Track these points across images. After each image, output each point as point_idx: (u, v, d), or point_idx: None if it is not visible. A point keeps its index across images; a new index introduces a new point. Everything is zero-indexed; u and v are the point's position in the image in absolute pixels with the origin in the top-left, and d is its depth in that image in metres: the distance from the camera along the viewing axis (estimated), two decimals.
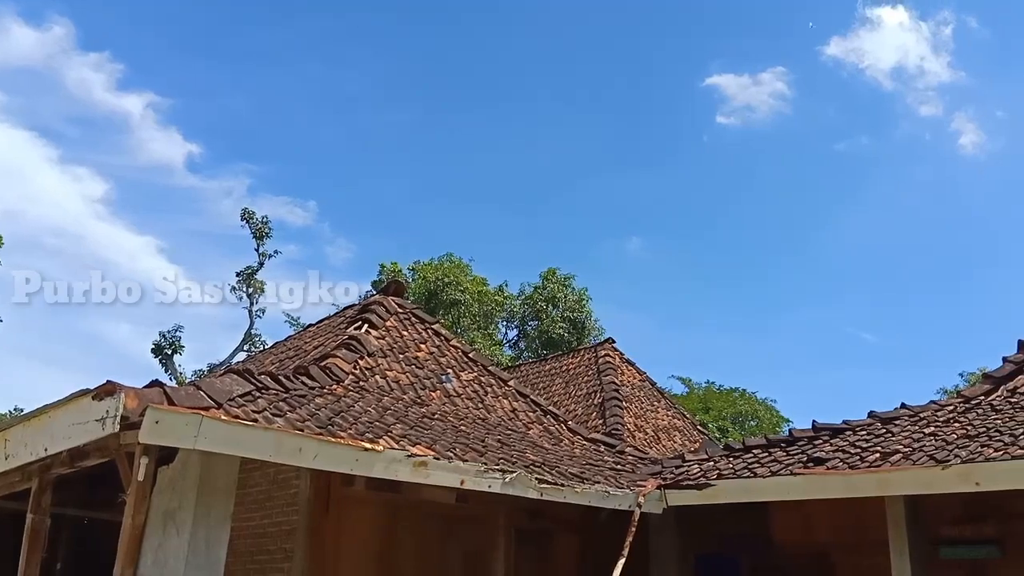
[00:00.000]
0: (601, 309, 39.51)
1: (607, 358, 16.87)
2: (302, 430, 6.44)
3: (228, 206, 58.63)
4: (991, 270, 51.57)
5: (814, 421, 9.10)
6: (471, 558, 9.40)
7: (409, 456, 6.93)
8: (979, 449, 7.05)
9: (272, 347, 14.54)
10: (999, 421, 7.88)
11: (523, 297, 32.35)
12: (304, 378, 8.60)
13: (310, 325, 13.92)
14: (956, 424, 8.14)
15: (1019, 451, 6.69)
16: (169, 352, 29.99)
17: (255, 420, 6.18)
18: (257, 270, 31.48)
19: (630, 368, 17.12)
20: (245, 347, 30.61)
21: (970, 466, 6.76)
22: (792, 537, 9.46)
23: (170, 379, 28.16)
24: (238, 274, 31.37)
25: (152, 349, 30.07)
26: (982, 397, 9.10)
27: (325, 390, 8.63)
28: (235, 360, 27.02)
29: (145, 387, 6.16)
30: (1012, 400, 8.70)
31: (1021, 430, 7.26)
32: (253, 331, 31.39)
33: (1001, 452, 6.80)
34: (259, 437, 6.01)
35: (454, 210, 53.52)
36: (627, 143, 54.61)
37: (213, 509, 6.02)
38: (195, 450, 5.82)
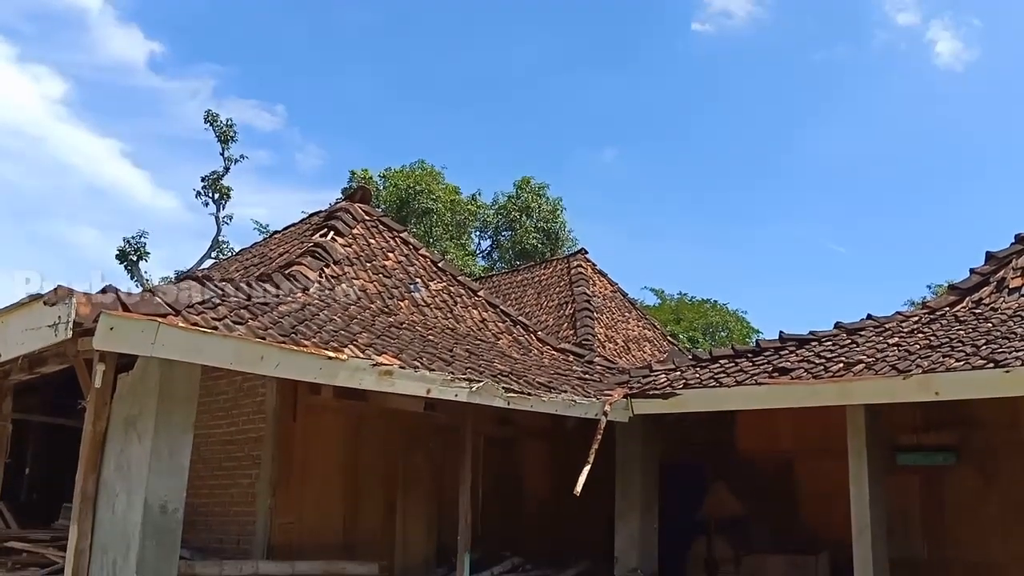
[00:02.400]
0: (575, 220, 39.49)
1: (579, 269, 16.82)
2: (264, 338, 6.32)
3: (193, 108, 56.95)
4: (963, 182, 51.85)
5: (781, 332, 9.16)
6: (439, 466, 9.51)
7: (374, 365, 6.86)
8: (941, 359, 7.12)
9: (237, 255, 14.30)
10: (962, 332, 7.96)
11: (497, 206, 32.02)
12: (267, 286, 8.45)
13: (275, 232, 13.67)
14: (920, 335, 8.22)
15: (980, 361, 6.77)
16: (134, 259, 29.47)
17: (215, 328, 6.05)
18: (223, 175, 30.72)
19: (602, 279, 17.11)
20: (213, 254, 30.18)
21: (931, 376, 6.83)
22: (756, 445, 9.66)
23: (136, 286, 27.76)
24: (203, 179, 30.63)
25: (116, 255, 29.54)
26: (947, 308, 9.18)
27: (289, 298, 8.49)
28: (203, 267, 26.65)
29: (99, 292, 5.99)
30: (976, 311, 8.78)
31: (983, 340, 7.33)
32: (221, 238, 30.90)
33: (962, 362, 6.88)
34: (219, 345, 5.89)
35: (426, 116, 52.29)
36: (601, 50, 53.27)
37: (175, 416, 5.94)
38: (154, 357, 5.70)
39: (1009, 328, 7.66)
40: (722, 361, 8.98)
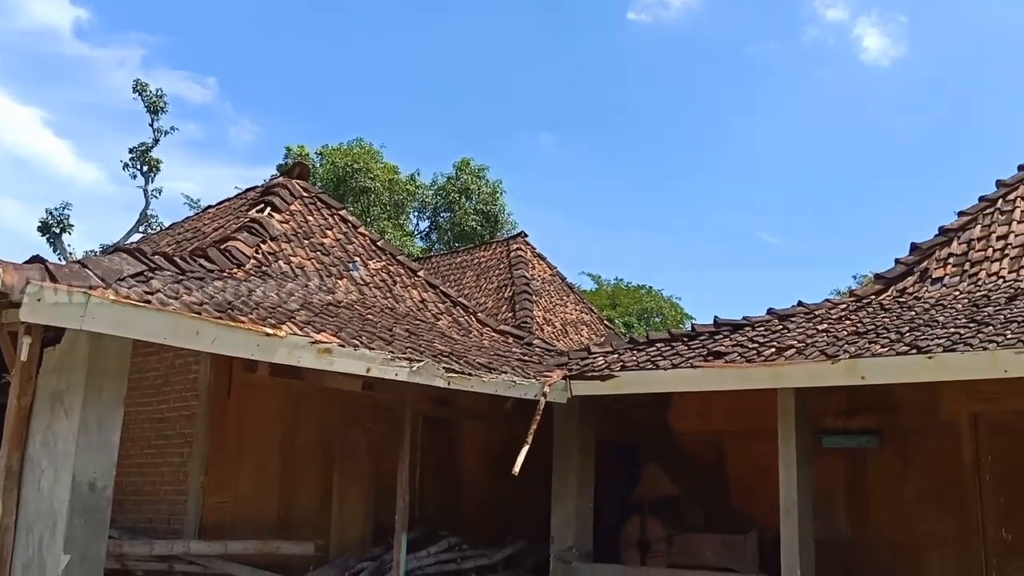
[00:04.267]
0: (514, 203, 39.48)
1: (519, 252, 16.89)
2: (199, 313, 6.17)
3: (121, 78, 54.83)
4: (888, 176, 53.64)
5: (716, 317, 9.35)
6: (377, 446, 9.45)
7: (313, 343, 6.76)
8: (867, 345, 7.36)
9: (168, 228, 13.90)
10: (887, 319, 8.25)
11: (436, 187, 31.84)
12: (202, 260, 8.25)
13: (209, 206, 13.33)
14: (847, 321, 8.48)
15: (903, 347, 7.02)
16: (57, 231, 28.41)
17: (147, 302, 5.88)
18: (152, 147, 29.76)
19: (541, 262, 17.21)
20: (140, 228, 29.29)
21: (857, 361, 7.05)
22: (689, 427, 9.88)
23: (59, 259, 26.78)
24: (131, 151, 29.63)
25: (39, 227, 28.44)
26: (873, 296, 9.51)
27: (224, 273, 8.32)
28: (130, 241, 25.84)
29: (26, 263, 5.76)
30: (900, 300, 9.12)
31: (907, 328, 7.61)
32: (149, 211, 30.00)
33: (887, 348, 7.12)
34: (152, 319, 5.73)
35: (365, 94, 51.64)
36: (540, 35, 53.37)
37: (105, 392, 5.77)
38: (83, 331, 5.51)
39: (931, 316, 7.96)
40: (658, 344, 9.13)
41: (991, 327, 6.97)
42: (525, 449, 7.89)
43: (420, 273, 11.91)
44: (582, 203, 54.91)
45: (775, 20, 53.61)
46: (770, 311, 9.34)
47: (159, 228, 27.75)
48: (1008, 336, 6.55)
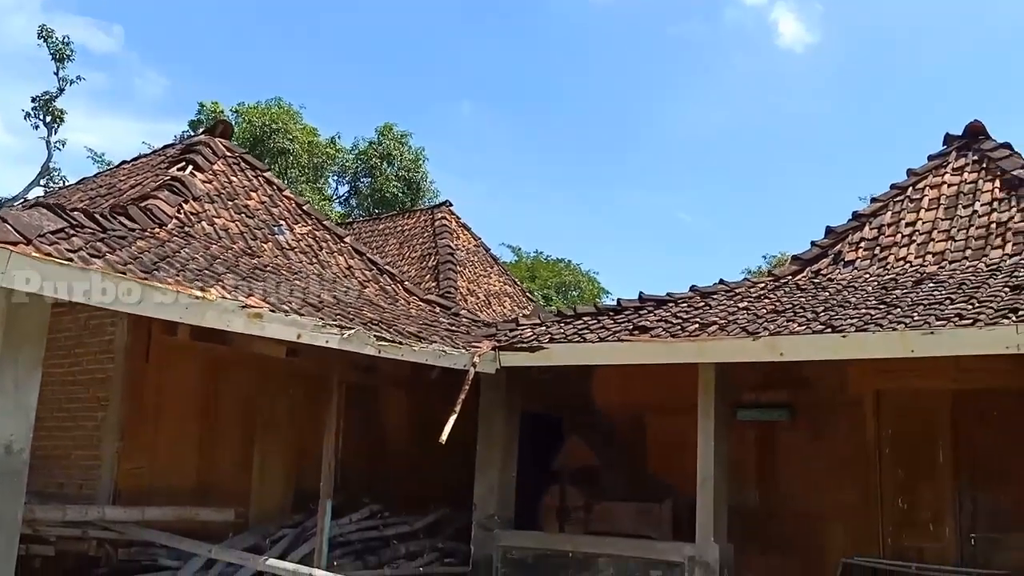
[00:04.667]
0: (436, 172, 39.20)
1: (443, 221, 16.82)
2: (124, 273, 5.96)
3: (20, 23, 51.49)
4: (801, 161, 55.44)
5: (641, 292, 9.56)
6: (300, 413, 9.34)
7: (243, 307, 6.62)
8: (785, 323, 7.68)
9: (79, 183, 13.25)
10: (803, 299, 8.61)
11: (357, 152, 31.25)
12: (123, 218, 7.94)
13: (124, 162, 12.78)
14: (766, 300, 8.82)
15: (819, 326, 7.35)
16: None
17: (70, 260, 5.64)
18: (56, 96, 28.18)
19: (466, 232, 17.19)
20: (41, 182, 27.83)
21: (776, 338, 7.35)
22: (611, 399, 10.11)
23: None
24: (34, 99, 28.02)
25: None
26: (790, 277, 9.90)
27: (147, 233, 8.03)
28: (30, 196, 24.50)
29: None
30: (815, 281, 9.53)
31: (822, 308, 7.97)
32: (52, 164, 28.50)
33: (804, 327, 7.44)
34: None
35: (283, 53, 49.85)
36: (464, 2, 52.73)
37: (23, 352, 5.51)
38: (0, 288, 5.26)
39: (844, 297, 8.36)
40: (585, 318, 9.28)
41: (899, 309, 7.36)
42: (453, 418, 7.95)
43: (347, 239, 11.75)
44: (503, 174, 54.91)
45: (696, 1, 54.48)
46: (693, 288, 9.61)
47: (63, 182, 26.45)
48: (915, 318, 6.94)
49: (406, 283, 11.63)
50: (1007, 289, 7.33)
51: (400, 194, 29.56)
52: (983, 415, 8.43)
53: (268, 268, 9.08)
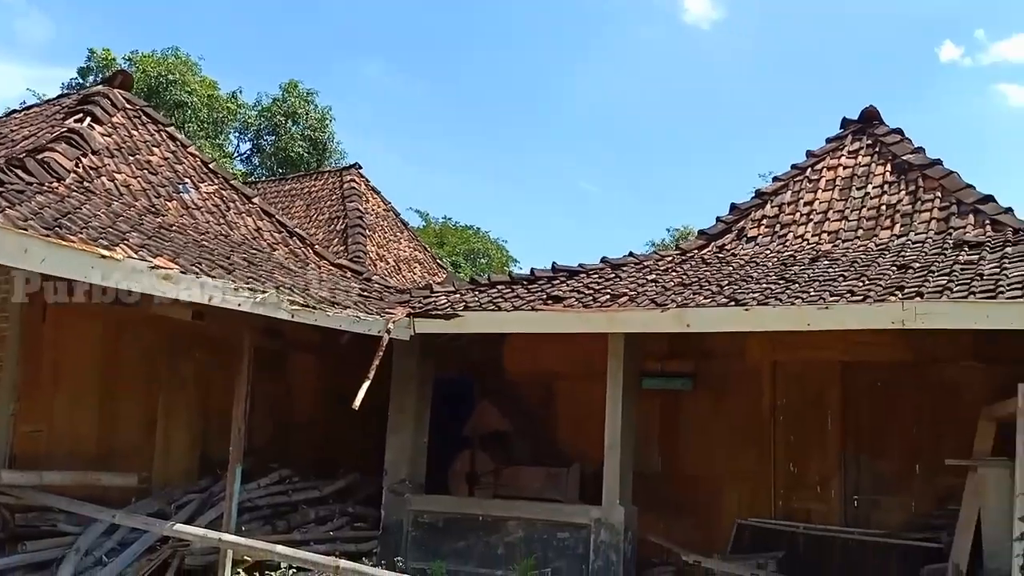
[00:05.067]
0: (343, 132, 38.42)
1: (352, 184, 16.58)
2: (25, 229, 5.69)
3: None
4: (705, 137, 56.84)
5: (554, 263, 9.72)
6: (204, 376, 9.13)
7: (152, 267, 6.42)
8: (692, 296, 7.98)
9: None
10: (709, 273, 8.96)
11: (260, 108, 30.27)
12: (19, 171, 7.53)
13: (14, 111, 12.04)
14: (674, 273, 9.13)
15: (723, 299, 7.67)
16: None
17: None
18: None
19: (375, 196, 17.00)
20: None
21: (684, 310, 7.62)
22: (521, 367, 10.31)
23: None
24: None
25: None
26: (696, 251, 10.27)
27: (45, 187, 7.64)
28: None
29: None
30: (720, 255, 9.91)
31: (726, 282, 8.31)
32: None
33: (709, 299, 7.76)
34: None
35: (179, 1, 47.55)
36: None
37: None
38: None
39: (747, 272, 8.74)
40: (499, 286, 9.39)
41: (797, 285, 7.77)
42: (366, 384, 7.91)
43: (255, 200, 11.46)
44: (410, 137, 54.26)
45: None
46: (604, 260, 9.84)
47: None
48: (811, 293, 7.34)
49: (316, 247, 11.46)
50: (894, 268, 7.83)
51: (305, 154, 28.89)
52: (869, 386, 9.04)
53: (174, 228, 8.78)
